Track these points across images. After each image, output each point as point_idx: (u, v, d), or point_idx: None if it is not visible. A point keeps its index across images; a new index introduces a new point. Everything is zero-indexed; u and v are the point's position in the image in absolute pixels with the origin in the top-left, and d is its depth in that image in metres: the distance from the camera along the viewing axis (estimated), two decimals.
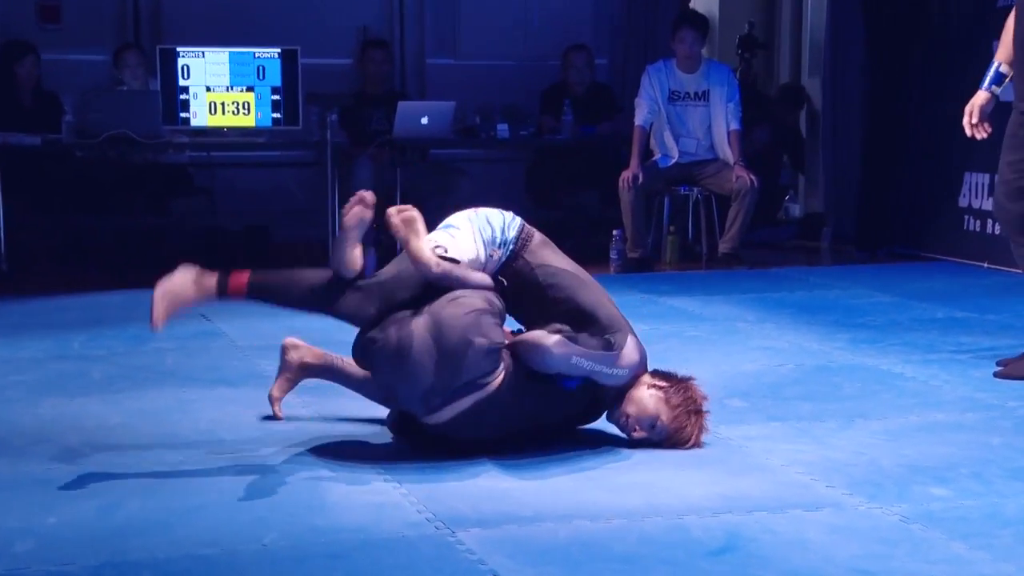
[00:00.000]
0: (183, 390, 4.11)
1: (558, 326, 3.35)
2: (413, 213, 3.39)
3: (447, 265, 3.35)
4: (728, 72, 7.33)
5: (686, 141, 7.25)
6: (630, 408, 3.42)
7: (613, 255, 7.08)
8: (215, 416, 3.67)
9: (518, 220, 3.57)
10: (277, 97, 7.15)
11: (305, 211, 7.82)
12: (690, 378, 3.49)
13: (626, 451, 3.44)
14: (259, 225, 7.71)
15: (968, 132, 4.47)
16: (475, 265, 3.44)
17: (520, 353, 3.31)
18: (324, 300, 3.31)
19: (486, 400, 3.25)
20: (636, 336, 3.45)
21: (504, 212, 3.58)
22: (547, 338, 3.28)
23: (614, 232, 7.09)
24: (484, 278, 3.41)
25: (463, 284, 3.34)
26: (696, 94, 7.23)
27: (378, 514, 2.92)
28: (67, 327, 5.22)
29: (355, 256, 3.33)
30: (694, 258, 7.48)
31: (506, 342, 3.29)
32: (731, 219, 7.13)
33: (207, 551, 2.70)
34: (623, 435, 3.46)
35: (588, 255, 8.07)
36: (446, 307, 3.26)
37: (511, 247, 3.49)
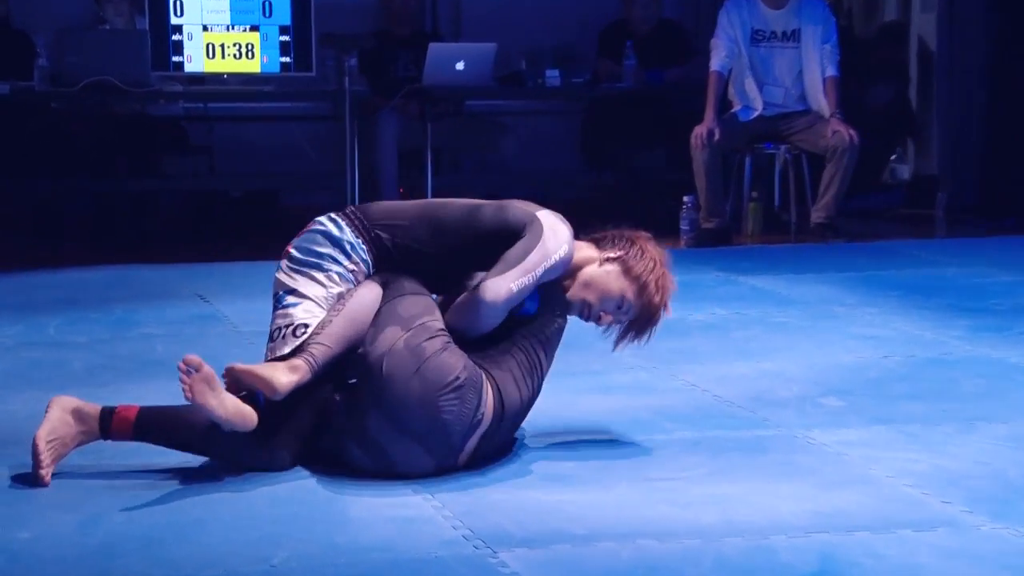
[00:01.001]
0: (175, 384, 4.13)
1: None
2: (204, 371, 3.13)
3: (314, 352, 3.21)
4: (823, 7, 7.28)
5: (772, 90, 7.21)
6: (588, 294, 3.44)
7: (684, 226, 7.06)
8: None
9: (328, 215, 3.44)
10: (286, 38, 7.17)
11: (319, 173, 7.85)
12: (637, 233, 3.51)
13: (700, 458, 3.44)
14: (265, 189, 7.76)
15: None
16: (339, 296, 3.34)
17: (458, 326, 3.30)
18: (223, 449, 3.26)
19: (493, 425, 3.27)
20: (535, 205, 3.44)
21: (314, 224, 3.44)
22: (477, 293, 3.27)
23: (685, 199, 7.07)
24: (362, 299, 3.29)
25: (347, 338, 3.24)
26: (784, 33, 7.18)
27: (407, 531, 2.93)
28: (41, 309, 5.28)
29: (240, 413, 3.14)
30: (781, 229, 7.44)
31: (466, 362, 3.22)
32: (825, 182, 7.09)
33: (206, 573, 2.72)
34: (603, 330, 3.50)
35: (654, 226, 8.02)
36: (383, 388, 3.16)
37: (358, 241, 3.38)
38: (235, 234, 7.39)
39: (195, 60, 7.11)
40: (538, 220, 3.37)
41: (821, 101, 7.16)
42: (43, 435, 3.22)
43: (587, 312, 3.46)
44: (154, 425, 3.29)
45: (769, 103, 7.22)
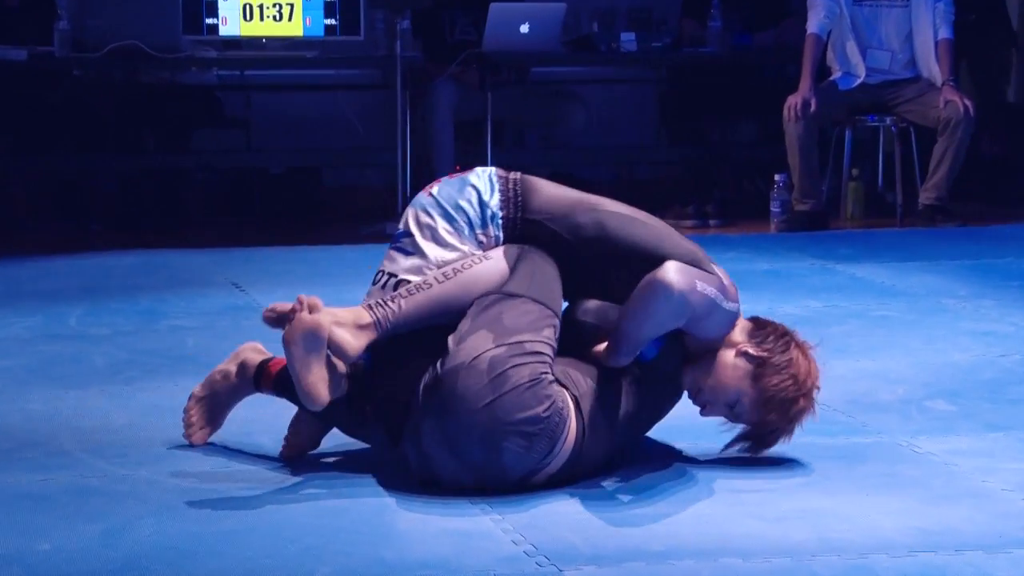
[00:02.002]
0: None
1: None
2: (312, 302, 3.23)
3: (391, 309, 3.24)
4: None
5: (877, 54, 7.16)
6: (704, 377, 3.35)
7: (775, 208, 7.03)
8: (249, 415, 3.73)
9: (491, 172, 3.44)
10: None
11: (367, 148, 7.89)
12: (800, 341, 3.37)
13: (791, 468, 3.44)
14: (307, 166, 7.80)
15: None
16: (463, 256, 3.35)
17: (630, 322, 3.25)
18: (335, 417, 3.39)
19: (561, 468, 3.24)
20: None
21: (471, 174, 3.44)
22: (658, 272, 3.20)
23: (777, 177, 7.04)
24: (480, 274, 3.29)
25: (439, 310, 3.25)
26: None
27: (462, 546, 2.95)
28: (62, 298, 5.34)
29: (316, 385, 3.19)
30: (884, 211, 7.39)
31: (555, 402, 3.17)
32: (936, 159, 7.04)
33: None
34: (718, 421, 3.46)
35: (742, 208, 8.07)
36: (451, 404, 3.14)
37: (500, 215, 3.38)
38: (274, 216, 7.45)
39: (230, 23, 7.16)
40: (710, 263, 3.34)
41: (933, 67, 7.11)
42: (196, 392, 3.54)
43: (694, 393, 3.39)
44: (290, 381, 3.36)
45: (873, 69, 7.17)
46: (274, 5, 7.18)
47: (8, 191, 7.43)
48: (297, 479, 3.36)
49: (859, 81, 7.17)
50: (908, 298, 5.35)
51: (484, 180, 3.43)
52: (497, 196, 3.40)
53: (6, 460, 3.49)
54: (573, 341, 3.35)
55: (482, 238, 3.39)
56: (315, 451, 3.54)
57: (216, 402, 3.56)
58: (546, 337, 3.23)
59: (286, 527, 3.05)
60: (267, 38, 7.22)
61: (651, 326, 3.27)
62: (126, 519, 3.08)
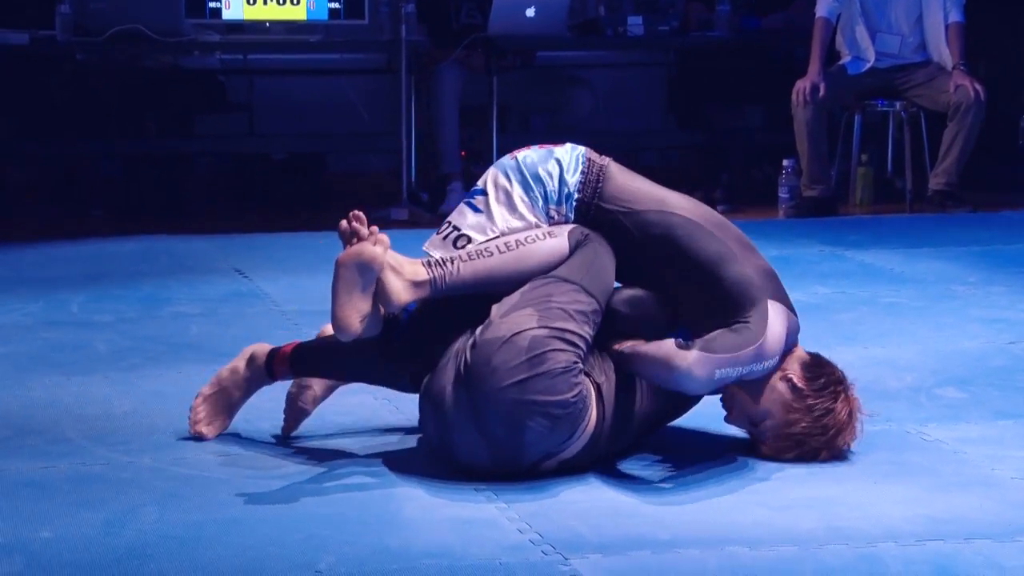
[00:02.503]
0: (212, 369, 4.16)
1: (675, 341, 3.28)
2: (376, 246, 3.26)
3: (446, 271, 3.26)
4: None
5: (886, 38, 7.15)
6: (741, 387, 3.34)
7: (783, 193, 7.03)
8: (254, 402, 3.73)
9: (580, 152, 3.45)
10: None
11: (371, 133, 7.89)
12: (849, 392, 3.35)
13: None
14: (311, 152, 7.80)
15: None
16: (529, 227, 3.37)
17: (638, 370, 3.27)
18: (362, 372, 3.46)
19: (580, 453, 3.25)
20: (779, 295, 3.37)
21: (559, 149, 3.45)
22: (679, 356, 3.19)
23: (785, 162, 7.04)
24: (540, 250, 3.30)
25: (495, 278, 3.27)
26: None
27: (467, 534, 2.95)
28: (63, 284, 5.35)
29: (350, 315, 3.21)
30: (894, 197, 7.38)
31: (582, 391, 3.19)
32: (946, 144, 7.03)
33: None
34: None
35: (750, 193, 8.06)
36: (484, 373, 3.15)
37: (575, 196, 3.40)
38: (277, 202, 7.45)
39: (233, 6, 7.16)
40: (763, 306, 3.29)
41: (943, 51, 7.10)
42: (203, 390, 3.56)
43: (726, 397, 3.39)
44: (309, 356, 3.44)
45: (883, 53, 7.16)
46: None
47: (10, 176, 7.44)
48: (301, 467, 3.36)
49: (868, 65, 7.16)
50: (917, 285, 5.35)
51: (570, 157, 3.44)
52: (578, 176, 3.41)
53: (7, 448, 3.50)
54: (604, 329, 3.34)
55: (553, 213, 3.41)
56: (318, 440, 3.54)
57: (224, 398, 3.56)
58: (587, 332, 3.24)
59: (289, 516, 3.05)
60: (270, 22, 7.22)
61: (662, 383, 3.28)
62: (128, 507, 3.09)
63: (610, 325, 3.34)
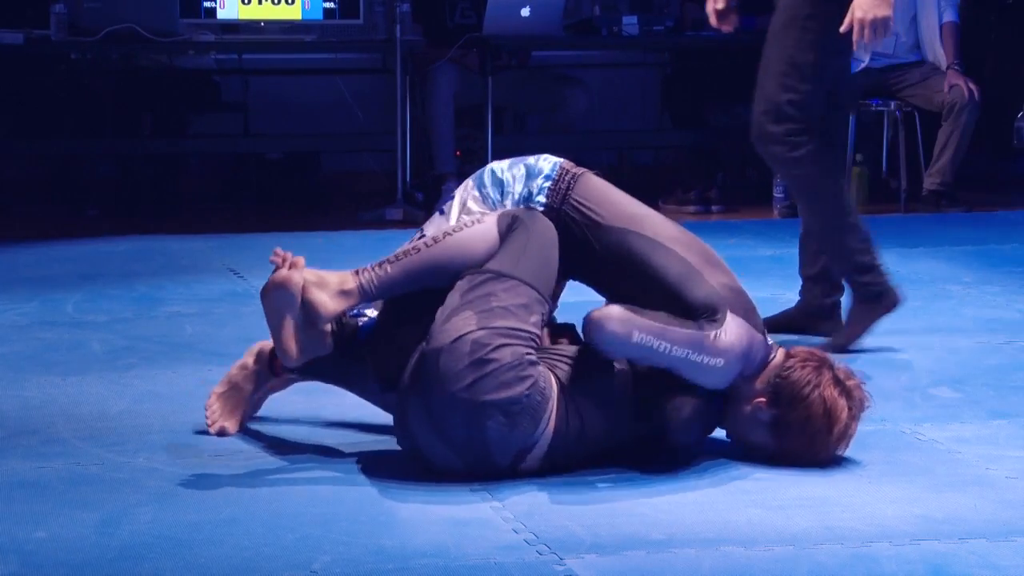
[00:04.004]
0: (207, 368, 4.19)
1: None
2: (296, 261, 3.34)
3: (373, 275, 3.29)
4: None
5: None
6: (731, 428, 3.38)
7: (778, 193, 7.03)
8: None
9: (555, 161, 3.48)
10: None
11: (366, 133, 7.88)
12: (827, 388, 3.29)
13: None
14: (305, 151, 7.79)
15: None
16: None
17: (584, 334, 3.29)
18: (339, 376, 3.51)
19: (553, 447, 3.24)
20: (744, 311, 3.32)
21: (533, 157, 3.48)
22: (600, 309, 3.23)
23: None
24: (469, 238, 3.30)
25: (436, 269, 3.29)
26: None
27: (462, 534, 2.95)
28: (58, 284, 5.35)
29: (287, 340, 3.28)
30: (889, 197, 7.38)
31: (536, 382, 3.18)
32: (941, 144, 7.03)
33: None
34: None
35: (744, 193, 8.05)
36: (433, 382, 3.17)
37: (542, 201, 3.39)
38: (272, 201, 7.45)
39: (228, 6, 7.15)
40: (721, 319, 3.26)
41: (937, 50, 7.10)
42: (216, 389, 3.56)
43: (729, 436, 3.41)
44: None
45: (877, 53, 7.15)
46: None
47: (4, 175, 7.43)
48: (296, 467, 3.37)
49: (863, 65, 7.15)
50: (912, 284, 5.33)
51: (542, 164, 3.46)
52: (546, 181, 3.43)
53: (2, 448, 3.50)
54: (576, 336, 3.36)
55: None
56: (313, 440, 3.54)
57: (236, 394, 3.56)
58: (532, 324, 3.24)
59: (284, 515, 3.05)
60: (265, 21, 7.21)
61: (593, 344, 3.27)
62: (123, 507, 3.09)
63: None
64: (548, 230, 3.34)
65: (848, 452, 3.45)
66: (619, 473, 3.31)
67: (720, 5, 4.43)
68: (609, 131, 8.16)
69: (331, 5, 7.21)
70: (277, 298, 3.28)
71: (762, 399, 3.32)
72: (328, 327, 3.32)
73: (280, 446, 3.51)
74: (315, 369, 3.43)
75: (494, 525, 3.01)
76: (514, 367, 3.16)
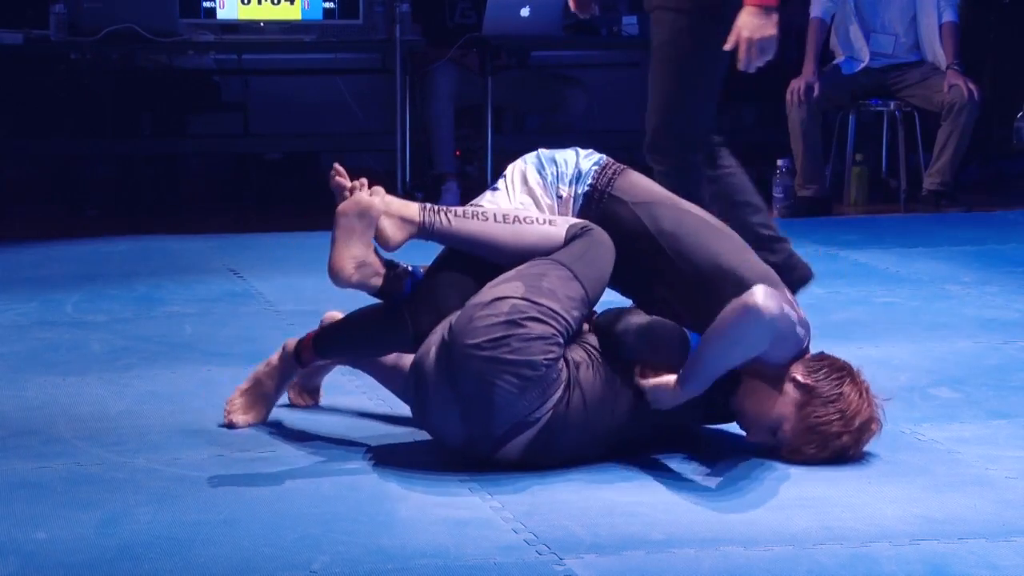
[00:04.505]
0: (207, 368, 4.19)
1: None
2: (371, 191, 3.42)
3: (447, 218, 3.36)
4: None
5: (880, 38, 7.16)
6: (747, 402, 3.34)
7: (777, 193, 7.03)
8: None
9: (599, 156, 3.57)
10: None
11: (366, 133, 7.89)
12: (855, 375, 3.33)
13: None
14: (305, 151, 7.79)
15: None
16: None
17: (716, 344, 3.23)
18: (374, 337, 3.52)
19: (548, 431, 3.26)
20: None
21: (581, 149, 3.58)
22: (746, 296, 3.19)
23: (779, 162, 7.04)
24: (535, 232, 3.37)
25: (494, 243, 3.35)
26: None
27: (462, 534, 2.96)
28: (58, 284, 5.35)
29: (346, 260, 3.36)
30: (888, 197, 7.39)
31: (554, 360, 3.22)
32: (940, 144, 7.04)
33: None
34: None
35: None
36: (463, 330, 3.22)
37: (589, 181, 3.48)
38: (272, 201, 7.45)
39: (228, 6, 7.16)
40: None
41: (937, 51, 7.10)
42: (239, 386, 3.63)
43: (739, 416, 3.39)
44: (329, 334, 3.53)
45: (877, 53, 7.17)
46: None
47: (4, 175, 7.43)
48: (295, 467, 3.37)
49: (863, 65, 7.17)
50: (912, 284, 5.35)
51: (588, 153, 3.56)
52: (593, 164, 3.52)
53: (1, 448, 3.50)
54: (619, 360, 3.35)
55: (563, 192, 3.49)
56: (312, 440, 3.55)
57: (259, 390, 3.61)
58: (572, 317, 3.29)
59: (284, 515, 3.05)
60: (265, 22, 7.22)
61: (738, 352, 3.25)
62: (123, 507, 3.09)
63: (612, 350, 3.33)
64: (610, 246, 3.41)
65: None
66: (619, 473, 3.32)
67: None
68: (608, 131, 8.15)
69: (331, 5, 7.21)
70: (357, 217, 3.34)
71: (799, 371, 3.30)
72: (379, 265, 3.37)
73: (280, 447, 3.51)
74: (347, 337, 3.51)
75: (494, 525, 3.01)
76: (541, 339, 3.21)
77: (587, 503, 3.13)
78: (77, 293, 5.18)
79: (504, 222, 3.38)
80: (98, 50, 7.08)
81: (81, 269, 5.62)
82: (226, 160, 7.80)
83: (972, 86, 6.97)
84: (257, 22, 7.21)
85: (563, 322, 3.26)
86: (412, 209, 3.39)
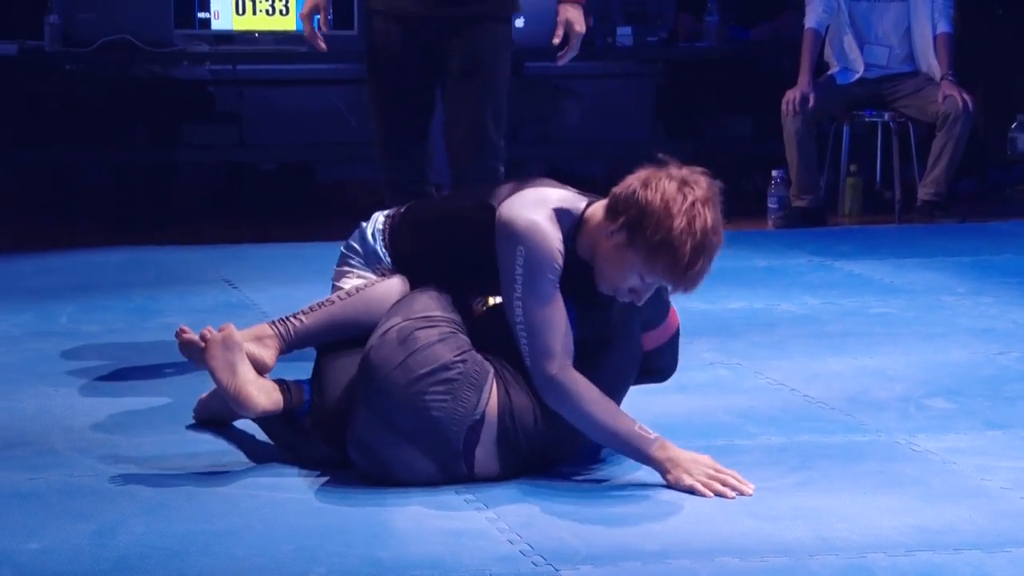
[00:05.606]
0: (201, 379, 4.18)
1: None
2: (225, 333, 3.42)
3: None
4: None
5: (875, 49, 7.17)
6: (605, 279, 3.29)
7: (772, 203, 7.04)
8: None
9: (384, 213, 3.66)
10: None
11: (360, 143, 7.88)
12: (652, 174, 3.26)
13: (788, 467, 3.44)
14: (300, 162, 7.80)
15: None
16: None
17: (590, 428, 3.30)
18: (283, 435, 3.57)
19: (503, 425, 3.27)
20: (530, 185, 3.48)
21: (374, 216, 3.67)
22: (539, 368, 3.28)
23: (774, 173, 7.05)
24: (381, 287, 3.47)
25: (351, 318, 3.43)
26: None
27: (458, 545, 2.96)
28: (52, 295, 5.34)
29: (246, 387, 3.36)
30: (883, 208, 7.40)
31: (466, 353, 3.27)
32: (935, 154, 7.04)
33: None
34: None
35: (738, 204, 8.00)
36: (370, 376, 3.26)
37: (381, 243, 3.57)
38: (266, 212, 7.45)
39: (223, 17, 7.16)
40: (504, 220, 3.33)
41: (931, 61, 7.12)
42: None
43: (615, 295, 3.33)
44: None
45: (871, 64, 7.18)
46: None
47: None
48: (291, 478, 3.37)
49: (857, 76, 7.18)
50: (906, 295, 5.36)
51: (372, 220, 3.66)
52: (377, 223, 3.62)
53: None
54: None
55: (381, 270, 3.56)
56: (308, 451, 3.54)
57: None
58: (453, 315, 3.36)
59: (279, 526, 3.05)
60: (259, 32, 7.22)
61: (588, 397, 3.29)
62: (117, 518, 3.09)
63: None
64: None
65: (843, 463, 3.45)
66: (614, 483, 3.32)
67: None
68: (602, 142, 8.17)
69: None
70: (225, 352, 3.36)
71: (605, 225, 3.27)
72: (274, 384, 3.40)
73: (274, 458, 3.51)
74: (268, 428, 3.55)
75: (490, 536, 3.01)
76: (441, 340, 3.27)
77: (583, 514, 3.13)
78: (71, 304, 5.18)
79: (349, 297, 3.47)
80: (93, 60, 7.08)
81: (75, 280, 5.62)
82: (221, 170, 7.80)
83: (966, 97, 6.98)
84: (252, 33, 7.22)
85: (448, 321, 3.32)
86: (263, 328, 3.49)
